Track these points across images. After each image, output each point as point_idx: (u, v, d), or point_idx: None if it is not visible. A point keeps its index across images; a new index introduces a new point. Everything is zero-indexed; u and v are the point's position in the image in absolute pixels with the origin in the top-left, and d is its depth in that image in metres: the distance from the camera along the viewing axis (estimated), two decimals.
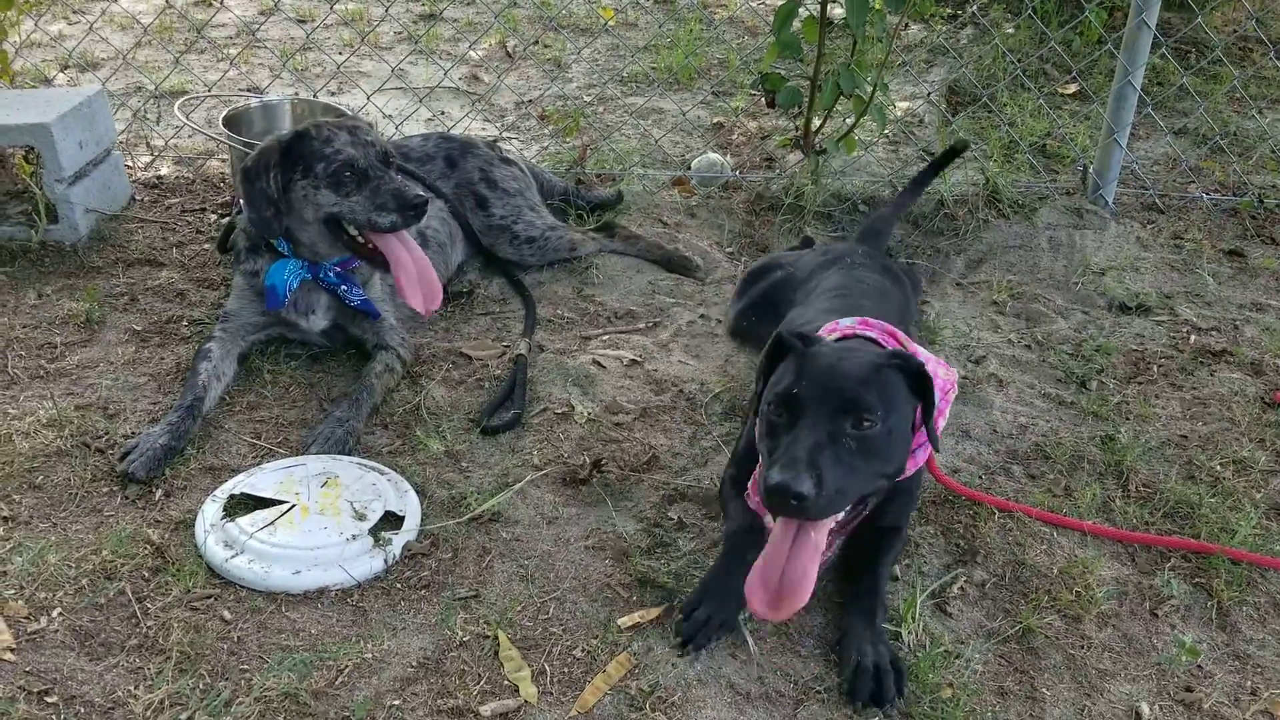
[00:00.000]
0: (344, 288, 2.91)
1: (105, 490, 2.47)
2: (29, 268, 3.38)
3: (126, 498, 2.45)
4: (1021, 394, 2.98)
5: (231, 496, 2.41)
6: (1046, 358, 3.16)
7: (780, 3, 3.61)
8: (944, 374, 2.26)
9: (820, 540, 1.97)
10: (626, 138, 4.55)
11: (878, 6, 3.47)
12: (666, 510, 2.50)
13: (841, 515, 2.03)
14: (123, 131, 4.33)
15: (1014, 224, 3.86)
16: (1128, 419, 2.89)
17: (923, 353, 2.25)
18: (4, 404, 2.75)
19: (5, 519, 2.36)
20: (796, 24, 3.67)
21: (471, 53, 5.59)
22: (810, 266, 2.96)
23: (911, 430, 2.11)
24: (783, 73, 3.80)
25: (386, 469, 2.54)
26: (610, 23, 5.93)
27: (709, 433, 2.79)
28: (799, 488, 1.83)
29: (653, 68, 5.35)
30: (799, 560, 1.94)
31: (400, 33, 5.82)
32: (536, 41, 5.78)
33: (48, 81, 4.63)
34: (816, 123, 3.87)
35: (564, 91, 5.09)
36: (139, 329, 3.11)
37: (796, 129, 3.92)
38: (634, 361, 3.08)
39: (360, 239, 2.85)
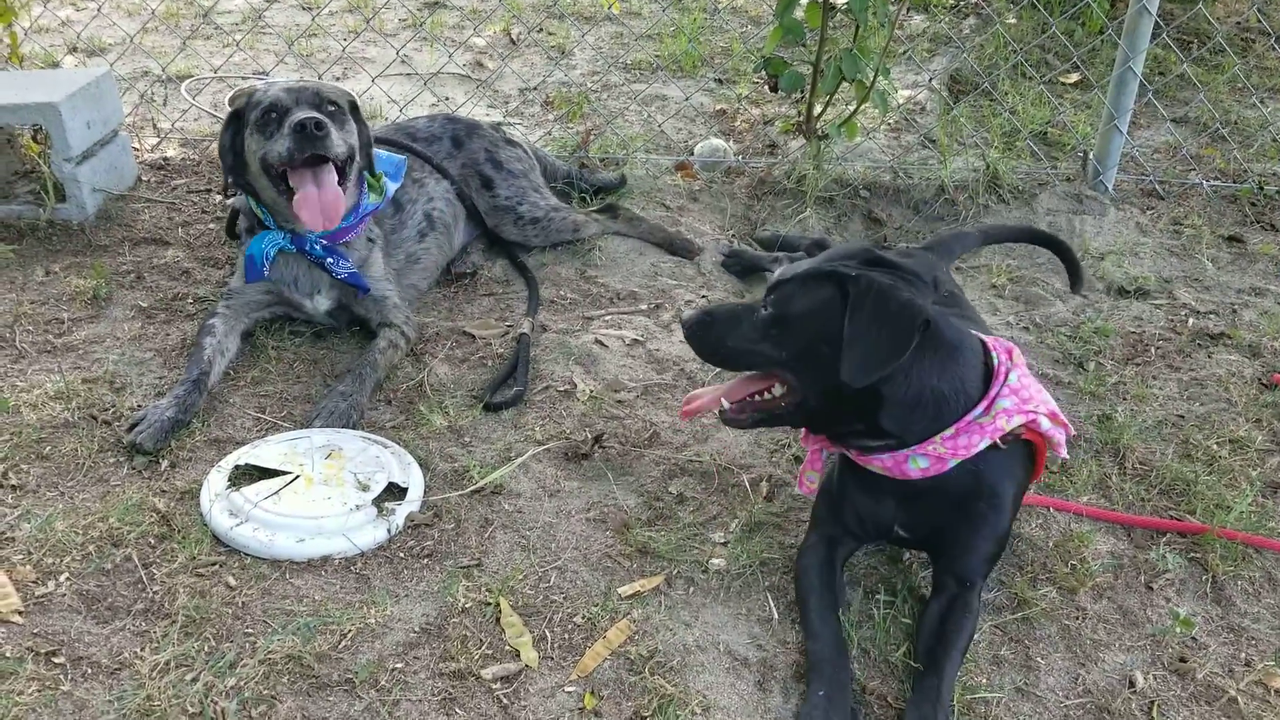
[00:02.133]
0: (330, 259, 2.92)
1: (112, 461, 2.50)
2: (36, 245, 3.40)
3: (133, 468, 2.48)
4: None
5: (236, 467, 2.44)
6: (1045, 339, 3.19)
7: None
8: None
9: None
10: (630, 123, 4.57)
11: None
12: (667, 485, 2.52)
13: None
14: (130, 114, 4.35)
15: (1014, 209, 3.88)
16: (1125, 399, 2.92)
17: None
18: (12, 377, 2.77)
19: (14, 488, 2.39)
20: (799, 10, 3.68)
21: (476, 39, 5.61)
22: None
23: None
24: (785, 58, 3.81)
25: (390, 442, 2.57)
26: (614, 10, 5.95)
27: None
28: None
29: (656, 55, 5.37)
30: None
31: (405, 19, 5.84)
32: (540, 28, 5.81)
33: (56, 65, 4.66)
34: (818, 108, 3.89)
35: (568, 78, 5.11)
36: (145, 306, 3.14)
37: (799, 114, 3.94)
38: (636, 341, 3.10)
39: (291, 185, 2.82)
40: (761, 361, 2.09)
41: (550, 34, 5.75)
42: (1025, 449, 2.13)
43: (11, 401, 2.66)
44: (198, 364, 2.73)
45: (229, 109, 3.61)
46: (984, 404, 2.01)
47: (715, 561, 2.27)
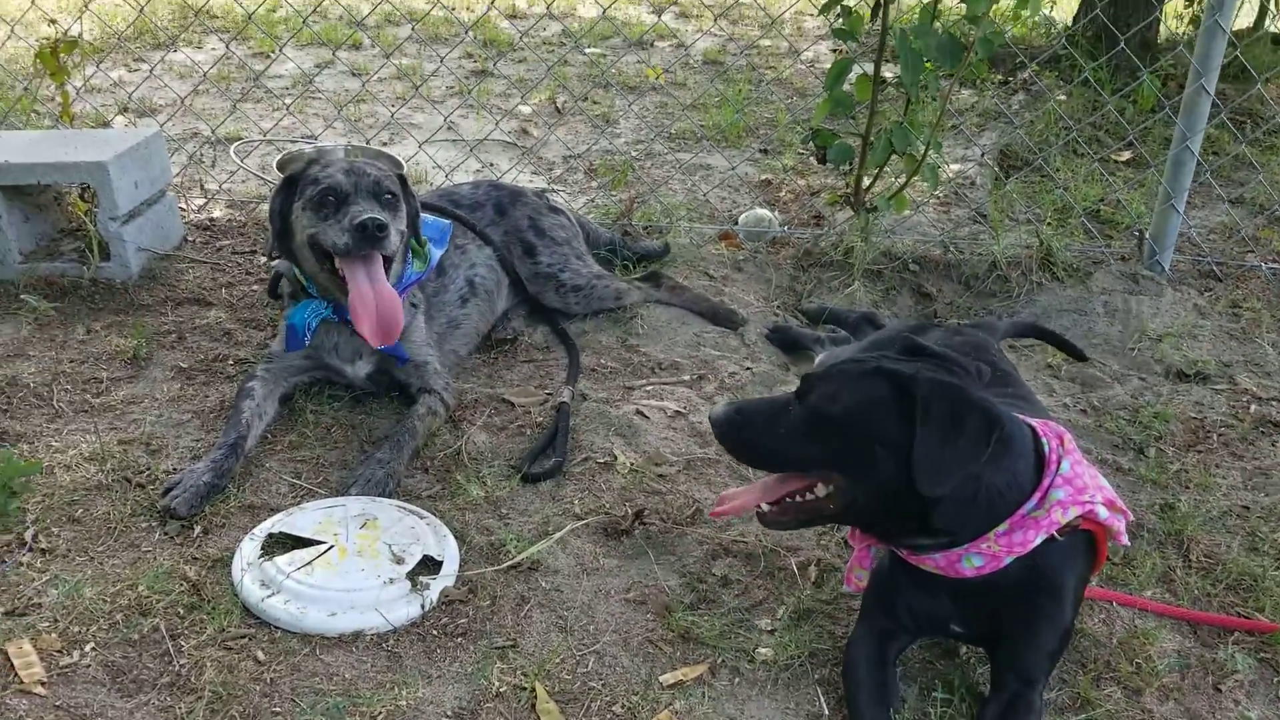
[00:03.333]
0: None
1: (144, 525, 2.45)
2: (79, 303, 3.40)
3: (165, 534, 2.43)
4: None
5: (270, 535, 2.38)
6: (1103, 423, 3.08)
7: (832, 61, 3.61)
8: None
9: None
10: (674, 192, 4.55)
11: (931, 67, 3.45)
12: (710, 565, 2.43)
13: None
14: (178, 174, 4.39)
15: (1068, 288, 3.80)
16: (1187, 487, 2.80)
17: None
18: (47, 436, 2.74)
19: (44, 551, 2.34)
20: (848, 83, 3.66)
21: (522, 107, 5.65)
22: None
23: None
24: (833, 129, 3.78)
25: (426, 513, 2.50)
26: (659, 80, 5.98)
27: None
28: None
29: (701, 125, 5.37)
30: None
31: (452, 87, 5.90)
32: (586, 97, 5.84)
33: (106, 124, 4.72)
34: (867, 180, 3.84)
35: (612, 146, 5.11)
36: (185, 366, 3.11)
37: (847, 186, 3.90)
38: (678, 413, 3.03)
39: (337, 266, 2.79)
40: (804, 463, 1.96)
41: (595, 103, 5.77)
42: (1085, 539, 2.02)
43: (45, 462, 2.62)
44: (235, 427, 2.69)
45: (278, 172, 3.63)
46: (1037, 496, 1.91)
47: (762, 651, 2.17)
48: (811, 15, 7.75)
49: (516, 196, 3.56)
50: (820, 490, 1.98)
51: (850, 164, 3.74)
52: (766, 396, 2.56)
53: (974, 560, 1.92)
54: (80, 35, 3.67)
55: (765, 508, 2.03)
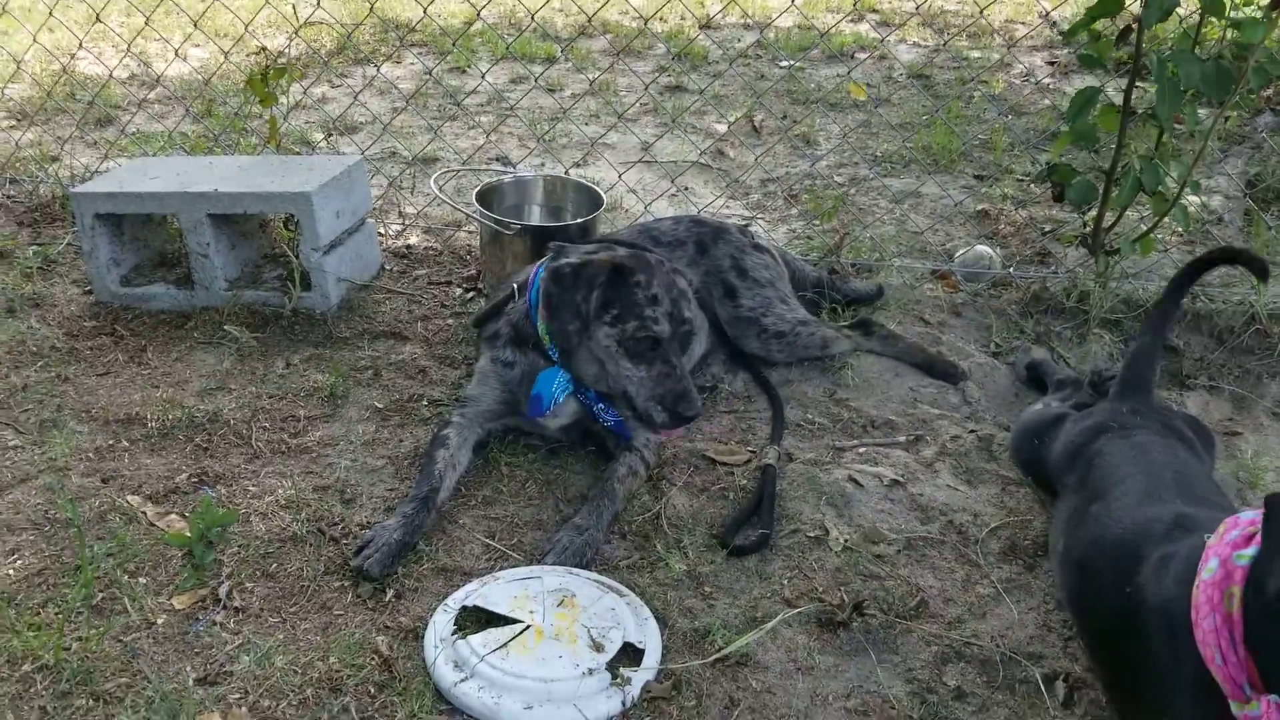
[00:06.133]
0: (600, 405, 2.76)
1: (337, 585, 2.36)
2: (279, 334, 3.39)
3: (358, 596, 2.33)
4: None
5: (464, 608, 2.24)
6: None
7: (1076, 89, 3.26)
8: None
9: None
10: (881, 223, 4.25)
11: (1195, 96, 3.06)
12: (940, 672, 2.17)
13: None
14: (378, 198, 4.38)
15: None
16: None
17: None
18: (245, 479, 2.70)
19: (237, 610, 2.27)
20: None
21: (717, 125, 5.44)
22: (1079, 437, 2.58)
23: None
24: (1073, 164, 3.42)
25: (625, 590, 2.32)
26: (859, 98, 5.67)
27: (986, 576, 2.44)
28: None
29: (908, 146, 5.05)
30: None
31: (646, 104, 5.75)
32: (785, 116, 5.59)
33: (309, 145, 4.77)
34: (1109, 220, 3.46)
35: (813, 169, 4.85)
36: (380, 406, 3.04)
37: (1084, 225, 3.53)
38: (895, 481, 2.77)
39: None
40: None
41: (795, 121, 5.52)
42: None
43: (242, 509, 2.57)
44: (429, 479, 2.58)
45: (477, 204, 3.53)
46: None
47: None
48: (1024, 23, 7.27)
49: (719, 234, 3.35)
50: None
51: (1091, 203, 3.38)
52: None
53: None
54: (289, 59, 3.66)
55: None
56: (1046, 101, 5.75)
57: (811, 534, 2.57)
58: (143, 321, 3.48)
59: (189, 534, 2.41)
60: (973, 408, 3.12)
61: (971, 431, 2.99)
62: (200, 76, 5.89)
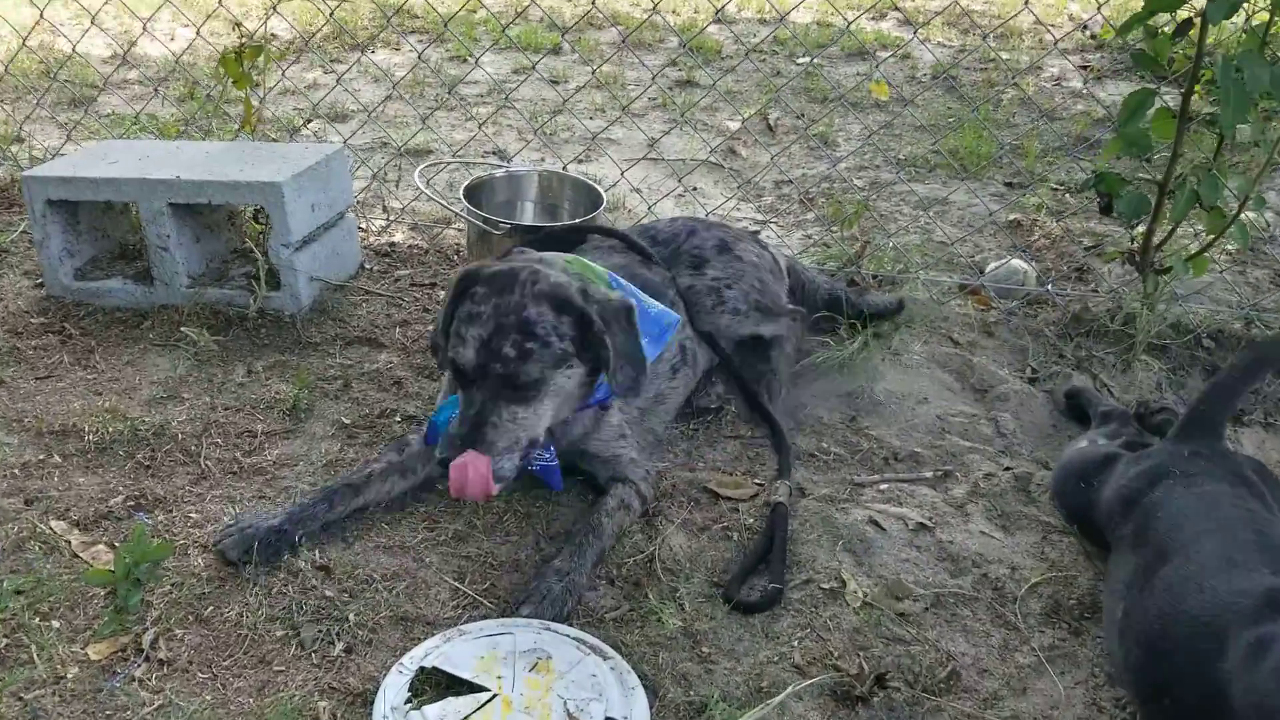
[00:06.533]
0: None
1: (279, 634, 2.05)
2: (243, 338, 3.08)
3: (301, 649, 2.02)
4: None
5: (422, 669, 1.93)
6: None
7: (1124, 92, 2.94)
8: None
9: None
10: (905, 231, 3.93)
11: (1268, 103, 2.74)
12: None
13: None
14: (361, 190, 4.07)
15: None
16: None
17: None
18: (188, 504, 2.40)
19: (161, 663, 1.97)
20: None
21: (729, 122, 5.13)
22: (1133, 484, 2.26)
23: None
24: (1119, 173, 3.10)
25: (610, 650, 2.01)
26: (882, 97, 5.35)
27: (1026, 642, 2.13)
28: None
29: (933, 150, 4.72)
30: None
31: (654, 98, 5.43)
32: (802, 115, 5.26)
33: (294, 131, 4.46)
34: (1159, 236, 3.14)
35: (831, 171, 4.53)
36: (347, 422, 2.73)
37: (1133, 240, 3.21)
38: (921, 525, 2.45)
39: None
40: None
41: (812, 120, 5.19)
42: None
43: (181, 539, 2.27)
44: (353, 474, 2.38)
45: (464, 200, 3.22)
46: None
47: None
48: (1055, 26, 6.94)
49: (713, 226, 3.03)
50: None
51: (1141, 217, 3.05)
52: None
53: None
54: (267, 39, 3.35)
55: None
56: (1080, 106, 5.43)
57: (826, 585, 2.25)
58: (95, 319, 3.17)
59: (114, 570, 2.10)
60: (1007, 440, 2.80)
61: (1007, 469, 2.66)
62: (188, 59, 5.59)
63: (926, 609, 2.21)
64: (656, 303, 2.50)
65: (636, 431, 2.55)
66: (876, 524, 2.44)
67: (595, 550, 2.26)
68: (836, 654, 2.07)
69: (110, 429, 2.62)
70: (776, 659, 2.06)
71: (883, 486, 2.59)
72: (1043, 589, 2.27)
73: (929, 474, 2.65)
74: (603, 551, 2.29)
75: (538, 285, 2.18)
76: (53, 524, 2.30)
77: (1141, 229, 3.17)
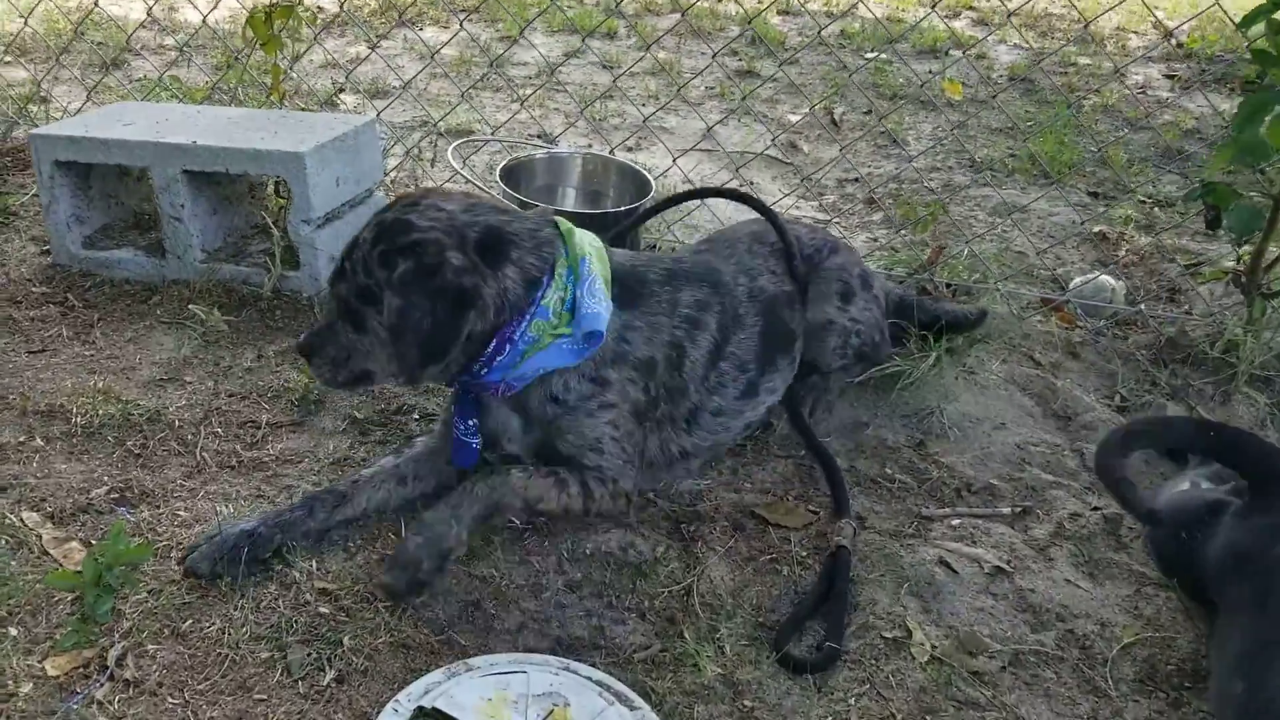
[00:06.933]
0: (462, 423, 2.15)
1: (264, 656, 1.80)
2: (256, 319, 2.84)
3: (287, 672, 1.77)
4: None
5: (420, 709, 1.67)
6: None
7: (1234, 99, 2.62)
8: None
9: None
10: (981, 239, 3.61)
11: None
12: None
13: None
14: (393, 169, 3.82)
15: None
16: None
17: None
18: (179, 499, 2.16)
19: (128, 683, 1.72)
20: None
21: (791, 116, 4.83)
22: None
23: None
24: (1230, 184, 2.78)
25: (637, 699, 1.73)
26: (955, 96, 5.03)
27: (1119, 714, 1.83)
28: None
29: (1011, 154, 4.40)
30: None
31: (712, 88, 5.15)
32: (869, 111, 4.96)
33: (326, 102, 4.23)
34: (1270, 256, 2.82)
35: (901, 172, 4.22)
36: (360, 416, 2.48)
37: (1239, 259, 2.88)
38: (998, 569, 2.15)
39: None
40: None
41: (880, 117, 4.89)
42: None
43: (164, 539, 2.02)
44: (340, 483, 2.13)
45: (500, 183, 2.96)
46: None
47: None
48: (1138, 33, 6.57)
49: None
50: None
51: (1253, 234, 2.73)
52: None
53: None
54: (300, 2, 3.11)
55: None
56: (1167, 116, 5.07)
57: (889, 634, 1.96)
58: (101, 292, 2.95)
59: (84, 573, 1.86)
60: (1094, 476, 2.49)
61: (1095, 509, 2.36)
62: (228, 26, 5.39)
63: (1003, 668, 1.91)
64: (600, 315, 2.07)
65: (628, 446, 2.22)
66: (947, 565, 2.15)
67: (482, 505, 2.00)
68: (900, 717, 1.78)
69: (101, 411, 2.38)
70: (830, 719, 1.77)
71: (954, 522, 2.29)
72: (1136, 650, 1.97)
73: (1006, 510, 2.35)
74: (494, 507, 2.02)
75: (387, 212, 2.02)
76: (24, 515, 2.07)
77: (1249, 247, 2.84)
